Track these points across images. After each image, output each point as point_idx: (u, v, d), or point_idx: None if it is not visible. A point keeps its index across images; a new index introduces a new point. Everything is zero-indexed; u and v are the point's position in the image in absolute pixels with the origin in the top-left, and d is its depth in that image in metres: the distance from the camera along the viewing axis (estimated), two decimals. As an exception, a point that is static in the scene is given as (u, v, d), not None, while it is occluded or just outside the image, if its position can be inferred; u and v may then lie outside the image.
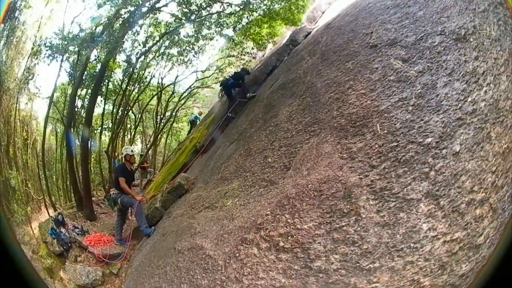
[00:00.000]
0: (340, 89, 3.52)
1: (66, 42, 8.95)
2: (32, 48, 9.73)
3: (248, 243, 2.76)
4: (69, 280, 4.57)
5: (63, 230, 5.73)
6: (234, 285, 2.55)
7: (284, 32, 12.95)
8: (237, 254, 2.77)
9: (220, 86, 9.48)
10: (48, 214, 9.10)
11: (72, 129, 10.21)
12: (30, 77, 10.17)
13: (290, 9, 10.27)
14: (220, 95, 11.48)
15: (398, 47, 3.19)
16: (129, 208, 6.21)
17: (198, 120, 14.27)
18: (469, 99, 2.32)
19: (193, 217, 4.32)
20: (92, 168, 12.37)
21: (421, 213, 1.98)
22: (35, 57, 9.74)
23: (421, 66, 2.80)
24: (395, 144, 2.43)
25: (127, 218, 6.79)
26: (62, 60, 10.12)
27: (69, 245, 5.49)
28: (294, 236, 2.42)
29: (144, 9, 9.94)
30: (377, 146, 2.54)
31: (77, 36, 8.93)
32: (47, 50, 9.12)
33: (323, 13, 11.81)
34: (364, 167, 2.48)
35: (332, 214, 2.34)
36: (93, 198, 9.33)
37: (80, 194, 8.98)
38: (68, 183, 11.66)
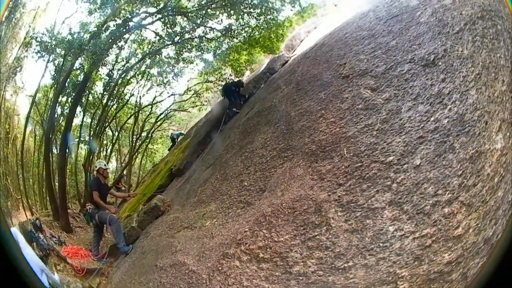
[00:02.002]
0: (312, 117, 3.83)
1: (54, 43, 8.82)
2: (25, 38, 9.49)
3: (230, 257, 2.91)
4: (51, 287, 4.43)
5: (41, 235, 5.55)
6: (221, 295, 2.68)
7: (262, 60, 13.35)
8: (220, 268, 2.90)
9: (222, 89, 9.67)
10: (26, 215, 8.63)
11: (51, 135, 9.88)
12: (18, 69, 9.84)
13: (269, 37, 10.59)
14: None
15: (369, 77, 3.50)
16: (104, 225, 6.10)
17: (181, 135, 14.14)
18: (432, 119, 2.58)
19: (172, 237, 4.37)
20: (67, 179, 11.88)
21: (386, 218, 2.22)
22: (26, 49, 9.49)
23: (388, 93, 3.10)
24: (360, 164, 2.74)
25: (104, 235, 6.65)
26: (48, 60, 9.94)
27: (48, 252, 5.32)
28: (273, 248, 2.63)
29: (131, 24, 10.09)
30: (343, 167, 2.85)
31: (65, 39, 8.83)
32: (36, 45, 8.94)
33: (301, 41, 12.47)
34: (332, 185, 2.77)
35: (305, 226, 2.59)
36: (68, 211, 8.97)
37: (56, 204, 8.65)
38: (44, 190, 11.11)
